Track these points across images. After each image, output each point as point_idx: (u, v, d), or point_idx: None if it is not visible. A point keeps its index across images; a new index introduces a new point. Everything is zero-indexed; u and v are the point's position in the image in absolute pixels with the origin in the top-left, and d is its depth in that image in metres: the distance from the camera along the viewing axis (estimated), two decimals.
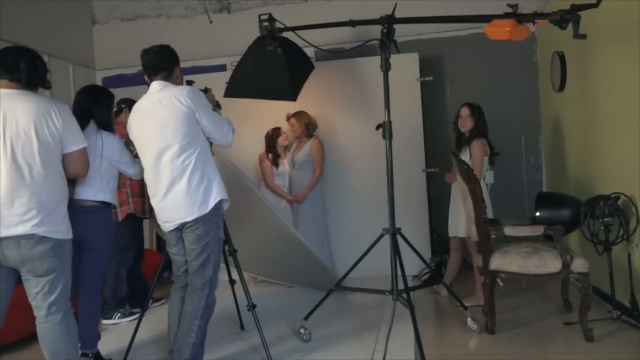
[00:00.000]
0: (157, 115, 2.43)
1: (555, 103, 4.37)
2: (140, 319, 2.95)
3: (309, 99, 4.69)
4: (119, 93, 4.55)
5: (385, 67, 2.69)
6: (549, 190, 4.76)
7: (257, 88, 3.91)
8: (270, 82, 3.87)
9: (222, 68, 5.32)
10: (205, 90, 2.72)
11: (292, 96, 3.92)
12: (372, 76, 4.70)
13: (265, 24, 3.61)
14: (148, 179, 2.51)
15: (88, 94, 2.76)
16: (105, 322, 3.61)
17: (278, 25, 3.55)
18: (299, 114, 4.52)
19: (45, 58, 4.82)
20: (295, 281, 4.36)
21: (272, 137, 4.58)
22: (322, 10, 5.21)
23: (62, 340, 2.18)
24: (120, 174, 2.82)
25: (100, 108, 2.72)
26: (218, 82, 4.18)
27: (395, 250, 2.65)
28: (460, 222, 3.58)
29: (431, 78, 4.71)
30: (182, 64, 5.48)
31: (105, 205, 2.70)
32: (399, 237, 2.71)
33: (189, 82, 2.73)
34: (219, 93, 4.05)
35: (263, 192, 4.51)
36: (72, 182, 2.54)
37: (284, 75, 3.81)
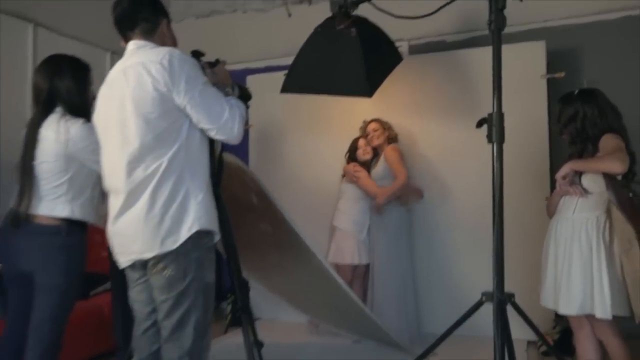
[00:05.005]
0: (119, 92, 1.65)
1: None
2: None
3: (392, 102, 3.75)
4: None
5: (497, 23, 1.64)
6: None
7: (323, 81, 3.02)
8: (340, 74, 2.96)
9: None
10: (215, 63, 1.90)
11: (368, 91, 2.98)
12: (481, 73, 3.66)
13: None
14: (106, 188, 1.74)
15: (44, 69, 2.05)
16: None
17: None
18: (378, 120, 3.59)
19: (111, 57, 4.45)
20: (361, 334, 3.36)
21: (352, 149, 3.68)
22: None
23: None
24: None
25: (63, 83, 2.01)
26: None
27: (504, 329, 1.58)
28: (573, 289, 2.13)
29: (562, 75, 3.52)
30: (256, 63, 4.90)
31: (71, 225, 1.96)
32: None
33: (196, 54, 1.91)
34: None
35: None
36: (25, 190, 1.87)
37: (358, 64, 2.89)
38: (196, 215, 1.61)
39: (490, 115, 1.60)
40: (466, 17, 4.00)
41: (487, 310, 1.80)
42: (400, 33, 3.88)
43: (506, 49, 3.67)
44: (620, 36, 3.72)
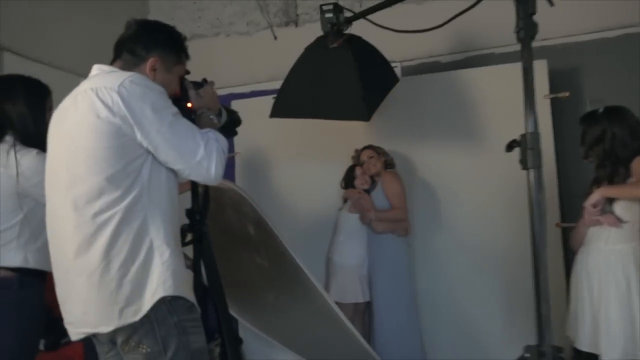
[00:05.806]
0: (68, 123, 1.39)
1: None
2: None
3: (386, 127, 3.54)
4: None
5: (527, 30, 1.41)
6: None
7: (315, 104, 2.77)
8: (334, 96, 2.73)
9: None
10: (201, 84, 1.65)
11: (365, 114, 2.75)
12: (479, 94, 3.50)
13: (329, 15, 2.61)
14: (48, 236, 1.45)
15: None
16: None
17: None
18: (371, 146, 3.37)
19: None
20: None
21: (348, 178, 3.43)
22: (411, 15, 4.10)
23: None
24: None
25: (14, 108, 1.75)
26: None
27: None
28: (614, 332, 1.89)
29: (567, 94, 3.36)
30: (241, 88, 4.66)
31: (25, 275, 1.66)
32: None
33: (200, 83, 1.66)
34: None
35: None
36: None
37: (353, 86, 2.66)
38: (161, 278, 1.30)
39: (523, 136, 1.37)
40: (460, 37, 3.85)
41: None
42: (392, 55, 3.69)
43: (507, 69, 3.48)
44: (621, 54, 3.58)
